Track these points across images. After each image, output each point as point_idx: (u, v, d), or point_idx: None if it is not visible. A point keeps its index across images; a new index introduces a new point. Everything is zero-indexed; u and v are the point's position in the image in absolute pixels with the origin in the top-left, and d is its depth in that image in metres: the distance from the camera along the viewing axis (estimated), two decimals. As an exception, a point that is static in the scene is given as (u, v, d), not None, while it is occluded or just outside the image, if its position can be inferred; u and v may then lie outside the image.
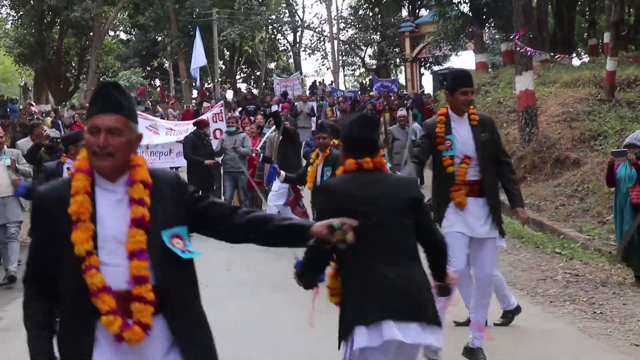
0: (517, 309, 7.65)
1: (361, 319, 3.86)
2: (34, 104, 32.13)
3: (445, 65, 47.46)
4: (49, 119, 25.84)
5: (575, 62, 27.60)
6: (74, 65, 44.44)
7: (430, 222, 4.26)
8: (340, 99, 31.62)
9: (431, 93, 33.13)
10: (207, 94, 38.23)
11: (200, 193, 3.36)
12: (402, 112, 17.94)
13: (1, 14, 43.81)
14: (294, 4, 54.04)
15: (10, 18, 43.07)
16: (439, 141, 6.29)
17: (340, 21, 49.32)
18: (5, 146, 11.39)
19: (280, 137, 13.03)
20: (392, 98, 29.56)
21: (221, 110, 18.05)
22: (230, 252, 10.68)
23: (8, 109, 30.06)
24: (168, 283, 3.03)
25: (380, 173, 4.22)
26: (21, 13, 41.04)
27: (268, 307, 8.56)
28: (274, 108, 25.25)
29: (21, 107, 32.27)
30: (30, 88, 43.36)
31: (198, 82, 38.49)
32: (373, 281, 3.92)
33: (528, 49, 16.29)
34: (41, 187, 3.23)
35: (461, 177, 6.24)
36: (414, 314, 3.87)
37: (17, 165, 10.91)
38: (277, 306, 8.48)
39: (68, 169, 9.41)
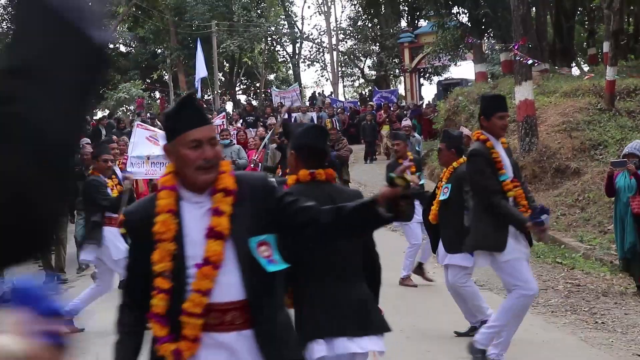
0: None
1: (318, 333, 4.03)
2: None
3: (445, 76, 47.53)
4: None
5: (575, 71, 27.66)
6: (74, 77, 44.50)
7: (372, 239, 4.35)
8: (339, 110, 31.66)
9: (431, 103, 33.18)
10: (204, 105, 38.12)
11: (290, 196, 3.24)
12: (406, 122, 17.85)
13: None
14: (293, 16, 54.18)
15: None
16: (499, 166, 6.22)
17: (339, 32, 49.42)
18: None
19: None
20: (392, 109, 29.58)
21: (222, 121, 18.05)
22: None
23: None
24: (257, 295, 2.97)
25: (331, 185, 4.32)
26: (21, 26, 41.18)
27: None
28: (272, 121, 25.15)
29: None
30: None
31: (200, 94, 38.51)
32: (328, 298, 4.09)
33: (529, 59, 16.31)
34: (129, 206, 3.29)
35: (521, 200, 6.19)
36: (366, 329, 4.11)
37: None
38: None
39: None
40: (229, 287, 2.93)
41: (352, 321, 4.07)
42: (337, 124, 26.85)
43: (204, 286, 2.89)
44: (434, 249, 8.13)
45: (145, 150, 12.95)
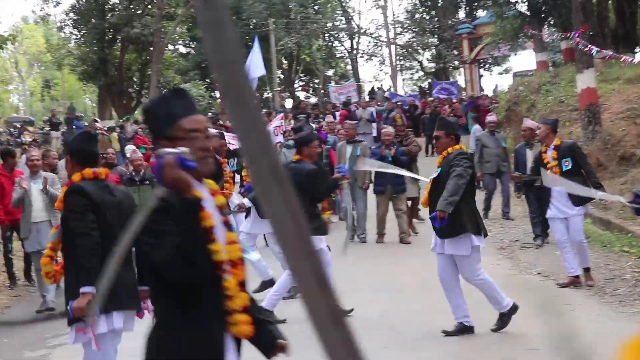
0: (513, 309, 7.53)
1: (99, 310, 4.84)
2: (98, 120, 32.75)
3: (505, 66, 47.07)
4: (114, 134, 26.38)
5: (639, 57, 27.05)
6: (135, 80, 45.26)
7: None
8: (398, 104, 31.67)
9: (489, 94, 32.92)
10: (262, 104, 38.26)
11: None
12: (491, 117, 16.52)
13: (65, 33, 44.88)
14: (350, 11, 54.19)
15: (74, 37, 44.12)
16: None
17: (396, 26, 49.28)
18: (41, 170, 11.05)
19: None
20: (456, 103, 29.33)
21: (282, 122, 17.91)
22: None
23: (74, 126, 30.73)
24: None
25: (109, 184, 5.23)
26: (83, 32, 42.06)
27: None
28: (329, 119, 24.67)
29: (86, 124, 32.95)
30: (75, 107, 44.17)
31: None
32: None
33: (592, 47, 16.00)
34: None
35: None
36: (135, 305, 5.16)
37: (47, 187, 10.35)
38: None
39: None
40: None
41: (127, 298, 5.03)
42: (404, 119, 26.69)
43: None
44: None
45: None
